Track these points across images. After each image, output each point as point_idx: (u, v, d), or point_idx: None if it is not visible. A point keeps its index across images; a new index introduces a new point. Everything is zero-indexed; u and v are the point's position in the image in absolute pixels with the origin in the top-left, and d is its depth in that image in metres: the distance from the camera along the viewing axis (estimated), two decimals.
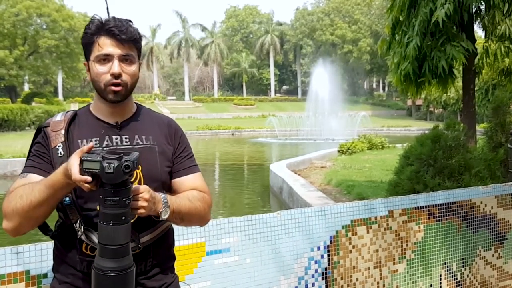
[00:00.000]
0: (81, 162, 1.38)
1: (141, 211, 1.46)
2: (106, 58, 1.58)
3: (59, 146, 1.58)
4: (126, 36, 1.58)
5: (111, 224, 1.39)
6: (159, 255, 1.67)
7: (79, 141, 1.60)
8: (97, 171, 1.36)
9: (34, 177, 1.56)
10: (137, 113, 1.72)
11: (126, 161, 1.37)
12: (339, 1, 66.91)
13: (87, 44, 1.61)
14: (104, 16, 1.64)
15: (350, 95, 65.66)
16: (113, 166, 1.35)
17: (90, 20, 1.61)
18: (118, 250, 1.40)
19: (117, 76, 1.58)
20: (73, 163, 1.38)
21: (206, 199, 1.71)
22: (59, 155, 1.57)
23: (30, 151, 1.64)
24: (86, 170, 1.37)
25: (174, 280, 1.74)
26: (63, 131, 1.60)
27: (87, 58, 1.63)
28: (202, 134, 37.89)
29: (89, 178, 1.36)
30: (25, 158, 1.67)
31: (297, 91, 74.65)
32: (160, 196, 1.54)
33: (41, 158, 1.59)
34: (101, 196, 1.39)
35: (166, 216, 1.54)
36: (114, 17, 1.61)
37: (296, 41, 70.47)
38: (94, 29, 1.59)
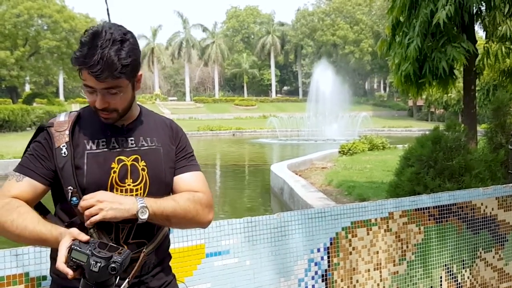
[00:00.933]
0: (70, 249, 1.36)
1: (96, 217, 1.46)
2: (91, 90, 1.53)
3: (63, 146, 1.56)
4: (104, 76, 1.47)
5: None
6: (159, 255, 1.70)
7: (85, 141, 1.60)
8: (83, 263, 1.35)
9: (29, 183, 1.55)
10: (141, 115, 1.72)
11: (113, 262, 1.34)
12: (340, 1, 66.88)
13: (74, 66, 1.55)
14: (104, 16, 1.62)
15: (351, 95, 65.68)
16: (99, 266, 1.33)
17: (80, 42, 1.51)
18: None
19: (102, 109, 1.55)
20: (62, 247, 1.39)
21: (198, 199, 1.66)
22: (63, 155, 1.55)
23: (27, 148, 1.61)
24: (73, 259, 1.35)
25: (172, 278, 1.77)
26: (67, 132, 1.58)
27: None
28: (203, 134, 37.90)
29: (70, 272, 1.36)
30: None
31: (298, 91, 74.64)
32: (135, 198, 1.53)
33: (39, 160, 1.57)
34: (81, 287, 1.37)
35: (145, 216, 1.51)
36: (93, 40, 1.48)
37: (297, 41, 70.46)
38: (77, 57, 1.49)
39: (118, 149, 1.61)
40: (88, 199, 1.48)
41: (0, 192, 1.55)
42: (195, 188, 1.69)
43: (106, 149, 1.59)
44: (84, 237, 1.42)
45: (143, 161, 1.62)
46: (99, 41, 1.47)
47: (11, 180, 1.56)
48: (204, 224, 1.71)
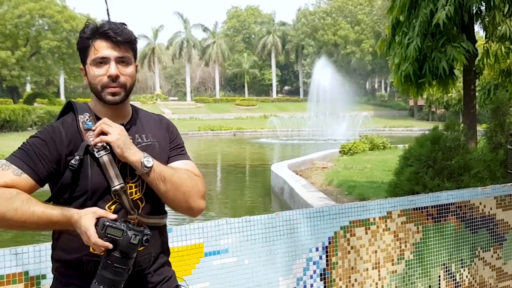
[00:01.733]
0: (104, 226, 1.44)
1: (108, 138, 1.55)
2: (102, 61, 1.59)
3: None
4: (122, 38, 1.60)
5: None
6: (159, 250, 1.72)
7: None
8: (118, 238, 1.43)
9: (26, 181, 1.54)
10: (135, 114, 1.76)
11: (146, 234, 1.47)
12: (342, 1, 66.83)
13: (83, 48, 1.63)
14: (105, 17, 1.66)
15: (352, 95, 65.64)
16: (139, 238, 1.44)
17: (85, 25, 1.63)
18: None
19: (114, 78, 1.59)
20: (89, 225, 1.45)
21: (195, 179, 1.71)
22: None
23: (28, 142, 1.59)
24: (108, 235, 1.43)
25: (172, 273, 1.80)
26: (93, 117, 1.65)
27: (83, 62, 1.65)
28: (204, 134, 37.90)
29: (110, 245, 1.44)
30: None
31: (299, 91, 74.60)
32: (142, 152, 1.60)
33: (40, 160, 1.56)
34: (109, 262, 1.44)
35: (150, 164, 1.57)
36: (108, 21, 1.63)
37: (297, 41, 70.42)
38: (89, 33, 1.60)
39: None
40: (107, 125, 1.56)
41: None
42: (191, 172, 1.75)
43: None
44: (111, 215, 1.50)
45: None
46: (105, 22, 1.61)
47: (7, 171, 1.52)
48: (194, 210, 1.71)
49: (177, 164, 1.74)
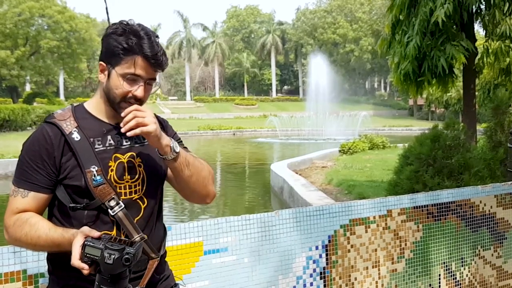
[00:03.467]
0: (84, 246, 1.40)
1: (149, 128, 1.50)
2: (134, 78, 1.57)
3: (74, 131, 1.58)
4: (162, 68, 1.60)
5: None
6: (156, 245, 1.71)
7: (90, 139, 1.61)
8: (97, 258, 1.39)
9: (35, 197, 1.57)
10: None
11: (127, 253, 1.39)
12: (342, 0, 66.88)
13: (116, 53, 1.57)
14: (104, 17, 1.63)
15: (351, 95, 65.62)
16: (113, 258, 1.37)
17: (128, 28, 1.57)
18: None
19: (138, 99, 1.59)
20: (76, 245, 1.43)
21: (208, 166, 1.74)
22: (76, 139, 1.56)
23: (24, 158, 1.59)
24: (87, 255, 1.40)
25: (170, 273, 1.81)
26: (73, 118, 1.61)
27: (109, 63, 1.59)
28: (203, 134, 37.86)
29: (86, 267, 1.40)
30: None
31: (299, 91, 74.64)
32: (168, 137, 1.60)
33: (38, 171, 1.56)
34: (97, 283, 1.41)
35: (178, 150, 1.58)
36: (147, 33, 1.57)
37: (297, 40, 70.41)
38: (132, 46, 1.55)
39: (114, 147, 1.62)
40: (141, 115, 1.50)
41: (8, 211, 1.57)
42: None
43: (102, 147, 1.60)
44: (95, 233, 1.45)
45: (138, 158, 1.65)
46: (147, 31, 1.57)
47: (16, 197, 1.57)
48: (210, 195, 1.75)
49: None
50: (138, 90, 1.57)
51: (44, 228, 1.52)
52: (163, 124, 1.77)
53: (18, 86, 46.49)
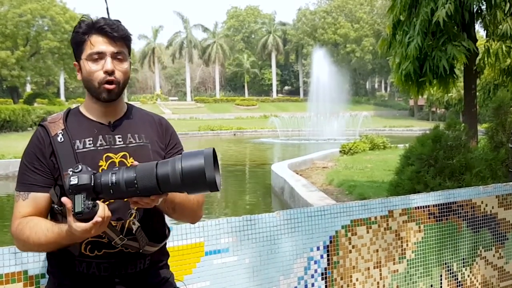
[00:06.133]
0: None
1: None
2: (98, 56, 1.58)
3: (59, 133, 1.59)
4: (118, 34, 1.60)
5: None
6: (155, 252, 1.69)
7: (72, 141, 1.60)
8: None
9: (35, 198, 1.58)
10: (128, 112, 1.73)
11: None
12: (342, 0, 66.81)
13: (78, 43, 1.61)
14: (105, 17, 1.65)
15: (352, 95, 65.55)
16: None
17: (80, 20, 1.63)
18: None
19: (110, 73, 1.58)
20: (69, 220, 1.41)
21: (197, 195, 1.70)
22: (59, 140, 1.57)
23: (23, 161, 1.61)
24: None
25: (170, 276, 1.79)
26: (61, 121, 1.62)
27: (78, 57, 1.63)
28: (204, 134, 37.87)
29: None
30: None
31: (299, 91, 74.63)
32: None
33: (36, 172, 1.58)
34: None
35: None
36: (103, 17, 1.63)
37: (297, 40, 70.41)
38: (85, 28, 1.60)
39: (105, 147, 1.62)
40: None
41: (13, 218, 1.59)
42: None
43: (93, 147, 1.60)
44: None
45: (131, 158, 1.63)
46: (100, 18, 1.61)
47: (18, 201, 1.59)
48: (196, 220, 1.82)
49: None
50: (106, 64, 1.58)
51: (42, 230, 1.52)
52: (166, 131, 1.77)
53: (18, 86, 46.47)
